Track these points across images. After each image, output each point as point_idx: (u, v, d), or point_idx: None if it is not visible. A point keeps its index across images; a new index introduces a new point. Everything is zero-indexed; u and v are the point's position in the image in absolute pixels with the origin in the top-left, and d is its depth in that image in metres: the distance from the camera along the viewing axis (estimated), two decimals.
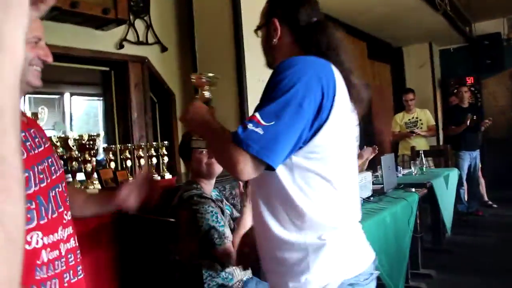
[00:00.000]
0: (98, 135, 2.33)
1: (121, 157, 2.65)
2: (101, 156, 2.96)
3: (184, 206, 2.00)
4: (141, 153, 2.68)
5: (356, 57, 6.85)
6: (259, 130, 1.14)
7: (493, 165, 7.36)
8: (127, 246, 2.01)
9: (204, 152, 2.20)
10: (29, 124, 1.34)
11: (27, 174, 1.19)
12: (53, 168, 1.31)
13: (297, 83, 1.17)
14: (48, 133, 2.29)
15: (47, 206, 1.25)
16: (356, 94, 1.33)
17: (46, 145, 1.34)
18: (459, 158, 6.10)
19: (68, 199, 1.37)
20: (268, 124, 1.15)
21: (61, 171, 1.36)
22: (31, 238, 1.19)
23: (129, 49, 3.49)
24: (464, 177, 6.08)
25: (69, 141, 2.16)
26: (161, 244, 2.14)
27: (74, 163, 2.19)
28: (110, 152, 2.55)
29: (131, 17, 3.45)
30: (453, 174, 4.88)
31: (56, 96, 6.37)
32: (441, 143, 7.40)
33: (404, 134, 5.90)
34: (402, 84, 8.12)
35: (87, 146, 2.22)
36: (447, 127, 6.39)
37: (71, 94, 6.35)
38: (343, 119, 1.24)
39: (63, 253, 1.28)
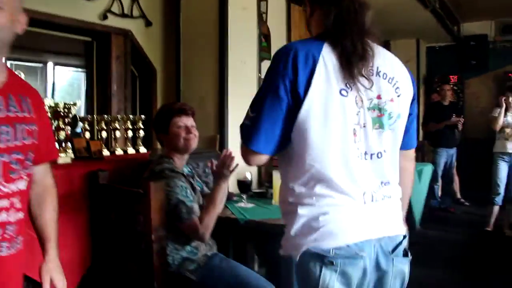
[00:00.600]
0: (74, 104, 2.34)
1: (97, 128, 2.67)
2: (79, 127, 2.97)
3: (154, 179, 2.02)
4: (117, 125, 2.69)
5: None
6: (248, 122, 1.33)
7: (469, 164, 7.49)
8: (98, 213, 2.04)
9: (182, 127, 2.24)
10: (11, 89, 1.33)
11: None
12: (3, 136, 1.27)
13: (272, 74, 1.30)
14: None
15: None
16: (365, 68, 1.31)
17: (14, 114, 1.30)
18: (436, 154, 6.21)
19: (17, 173, 1.32)
20: (252, 115, 1.31)
21: (17, 143, 1.31)
22: None
23: (113, 21, 3.47)
24: (440, 173, 6.20)
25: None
26: (129, 214, 2.19)
27: None
28: (86, 122, 2.56)
29: None
30: (427, 169, 4.98)
31: (39, 65, 6.31)
32: (420, 138, 7.51)
33: None
34: None
35: (62, 114, 2.23)
36: (427, 123, 6.48)
37: (55, 64, 6.30)
38: (326, 98, 1.27)
39: None
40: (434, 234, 5.26)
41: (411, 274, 1.45)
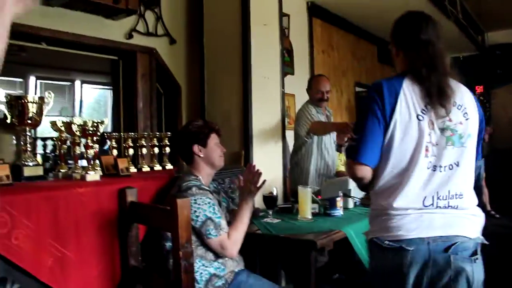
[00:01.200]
0: (102, 122, 2.38)
1: (124, 145, 2.70)
2: (107, 145, 3.02)
3: (182, 196, 2.04)
4: (143, 142, 2.73)
5: (367, 61, 6.87)
6: (354, 143, 1.70)
7: (498, 175, 7.34)
8: (126, 230, 2.06)
9: (218, 144, 2.34)
10: None
11: None
12: None
13: (368, 102, 1.70)
14: (55, 118, 2.35)
15: None
16: (444, 100, 1.66)
17: None
18: None
19: None
20: (357, 136, 1.70)
21: None
22: None
23: (138, 40, 3.54)
24: None
25: (72, 126, 2.21)
26: (157, 231, 2.21)
27: (76, 147, 2.25)
28: (113, 140, 2.60)
29: (141, 7, 3.50)
30: None
31: (67, 83, 6.46)
32: None
33: None
34: None
35: (90, 132, 2.27)
36: None
37: (82, 82, 6.45)
38: (404, 123, 1.64)
39: None
40: None
41: None
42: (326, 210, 2.94)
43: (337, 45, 6.24)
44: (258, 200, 3.27)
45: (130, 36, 3.47)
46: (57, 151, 2.39)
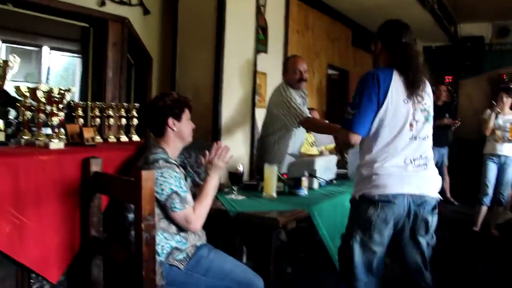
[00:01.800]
0: (68, 90, 2.33)
1: (91, 114, 2.66)
2: (73, 114, 2.96)
3: (148, 168, 2.03)
4: (111, 112, 2.69)
5: (340, 43, 6.88)
6: (350, 116, 2.17)
7: (460, 164, 7.55)
8: (89, 200, 2.04)
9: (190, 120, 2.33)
10: None
11: None
12: None
13: (365, 86, 2.17)
14: (20, 84, 2.28)
15: None
16: (416, 88, 2.19)
17: None
18: None
19: None
20: (354, 111, 2.17)
21: None
22: None
23: (111, 8, 3.45)
24: None
25: (37, 92, 2.16)
26: (121, 202, 2.19)
27: (41, 115, 2.20)
28: (80, 109, 2.56)
29: None
30: None
31: (34, 48, 6.24)
32: None
33: None
34: None
35: (56, 99, 2.22)
36: None
37: (50, 48, 6.23)
38: (394, 104, 2.15)
39: None
40: None
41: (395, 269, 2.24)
42: (291, 189, 2.97)
43: (312, 26, 6.22)
44: (223, 176, 3.29)
45: (102, 3, 3.38)
46: (20, 118, 2.33)
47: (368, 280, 2.23)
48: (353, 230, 2.23)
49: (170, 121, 2.24)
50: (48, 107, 2.23)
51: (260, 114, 3.96)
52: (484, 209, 5.40)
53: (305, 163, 3.29)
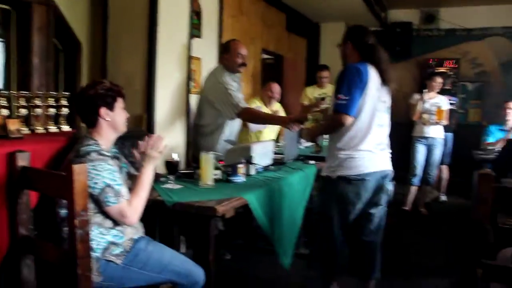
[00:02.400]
0: None
1: (16, 104, 2.53)
2: None
3: (80, 161, 1.95)
4: (38, 102, 2.57)
5: (275, 28, 6.90)
6: (344, 101, 2.61)
7: (391, 146, 7.86)
8: (16, 196, 1.95)
9: (124, 109, 2.25)
10: None
11: None
12: None
13: (351, 77, 2.64)
14: None
15: None
16: (388, 80, 2.78)
17: None
18: None
19: None
20: (347, 97, 2.61)
21: None
22: None
23: None
24: None
25: None
26: (52, 198, 2.11)
27: None
28: (3, 99, 2.42)
29: None
30: None
31: None
32: None
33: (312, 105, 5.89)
34: (316, 60, 8.34)
35: None
36: None
37: None
38: (370, 95, 2.66)
39: None
40: None
41: None
42: (228, 176, 2.98)
43: (247, 10, 6.20)
44: (159, 165, 3.24)
45: None
46: None
47: (340, 246, 2.85)
48: (331, 206, 2.78)
49: (103, 111, 2.16)
50: None
51: (196, 100, 3.93)
52: (413, 189, 5.68)
53: (241, 149, 3.31)
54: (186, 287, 2.18)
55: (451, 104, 5.92)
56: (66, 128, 2.68)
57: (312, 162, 3.85)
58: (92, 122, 2.17)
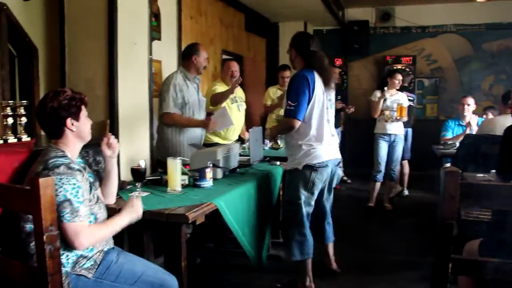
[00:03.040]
0: None
1: None
2: None
3: (48, 175, 1.87)
4: None
5: (234, 29, 6.91)
6: (292, 108, 3.07)
7: (352, 143, 8.00)
8: None
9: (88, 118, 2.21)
10: None
11: None
12: None
13: (300, 85, 3.10)
14: None
15: None
16: (329, 84, 3.28)
17: None
18: None
19: None
20: (295, 104, 3.07)
21: None
22: None
23: None
24: None
25: None
26: (16, 213, 2.02)
27: None
28: None
29: None
30: None
31: None
32: None
33: (275, 105, 5.93)
34: (275, 59, 8.38)
35: None
36: None
37: None
38: (318, 97, 3.14)
39: None
40: None
41: None
42: (195, 181, 2.94)
43: (205, 12, 6.17)
44: (125, 173, 3.18)
45: None
46: None
47: (307, 228, 3.27)
48: (299, 193, 3.20)
49: (69, 122, 2.08)
50: None
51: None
52: (377, 185, 5.77)
53: (208, 153, 3.28)
54: None
55: (409, 100, 6.06)
56: (25, 137, 2.58)
57: (277, 163, 3.86)
58: (58, 134, 2.09)
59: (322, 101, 3.18)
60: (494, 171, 3.01)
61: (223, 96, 4.39)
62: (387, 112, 5.58)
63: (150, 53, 3.82)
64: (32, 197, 1.61)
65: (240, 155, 3.87)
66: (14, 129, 2.61)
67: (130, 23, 3.52)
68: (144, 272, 2.10)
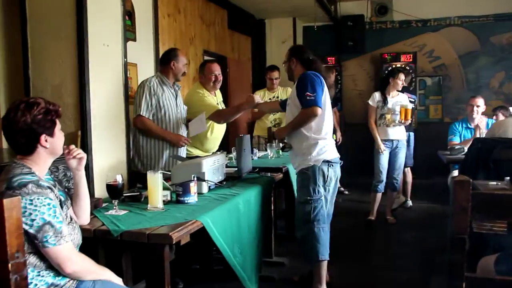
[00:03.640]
0: None
1: None
2: None
3: (14, 195, 1.83)
4: None
5: (216, 27, 6.95)
6: (313, 97, 3.42)
7: (350, 150, 7.97)
8: None
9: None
10: None
11: None
12: None
13: (315, 81, 3.49)
14: None
15: None
16: (329, 87, 3.71)
17: None
18: None
19: None
20: (314, 94, 3.43)
21: None
22: None
23: None
24: None
25: None
26: None
27: None
28: None
29: None
30: None
31: None
32: None
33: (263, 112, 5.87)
34: (262, 59, 8.39)
35: None
36: None
37: None
38: (326, 95, 3.57)
39: None
40: None
41: (297, 271, 3.85)
42: (178, 197, 2.91)
43: (184, 9, 6.16)
44: (100, 189, 3.14)
45: None
46: None
47: (327, 225, 3.57)
48: (319, 188, 3.49)
49: (43, 138, 2.04)
50: None
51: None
52: (378, 196, 5.73)
53: (191, 165, 3.26)
54: None
55: (410, 102, 5.95)
56: None
57: (269, 174, 3.85)
58: (28, 150, 2.05)
59: (328, 100, 3.61)
60: (508, 178, 3.02)
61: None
62: (389, 116, 5.53)
63: (125, 55, 3.79)
64: None
65: (227, 166, 3.84)
66: None
67: (101, 24, 3.49)
68: None
